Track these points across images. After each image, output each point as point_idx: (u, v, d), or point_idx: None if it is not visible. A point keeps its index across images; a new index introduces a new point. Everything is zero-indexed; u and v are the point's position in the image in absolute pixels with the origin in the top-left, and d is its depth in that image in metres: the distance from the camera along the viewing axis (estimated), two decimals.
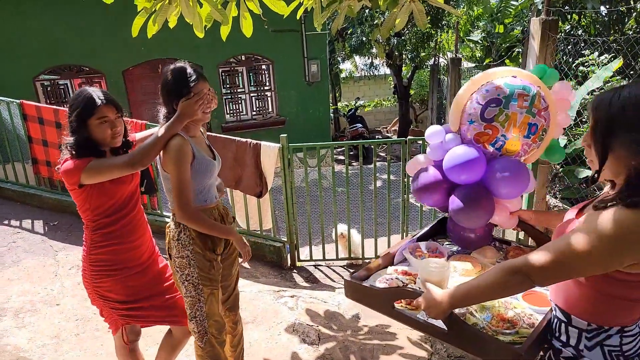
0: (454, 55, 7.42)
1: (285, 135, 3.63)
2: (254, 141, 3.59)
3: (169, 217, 4.38)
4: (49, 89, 7.02)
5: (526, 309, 1.34)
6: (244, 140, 3.64)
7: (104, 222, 1.81)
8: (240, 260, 1.98)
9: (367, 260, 3.87)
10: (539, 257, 1.01)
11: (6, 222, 4.11)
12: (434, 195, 1.67)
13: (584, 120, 4.51)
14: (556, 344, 1.14)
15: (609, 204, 0.97)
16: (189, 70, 1.76)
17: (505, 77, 1.57)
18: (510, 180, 1.52)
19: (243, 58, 7.77)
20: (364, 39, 9.78)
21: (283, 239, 3.93)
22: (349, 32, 10.46)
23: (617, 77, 4.44)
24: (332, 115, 10.79)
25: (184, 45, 7.17)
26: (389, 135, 12.69)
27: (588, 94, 4.49)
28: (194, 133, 1.82)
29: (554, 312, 1.18)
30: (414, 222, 4.33)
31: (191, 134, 1.80)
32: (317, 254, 3.93)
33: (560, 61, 4.58)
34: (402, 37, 10.07)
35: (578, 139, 4.26)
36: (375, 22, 10.03)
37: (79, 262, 3.61)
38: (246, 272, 3.58)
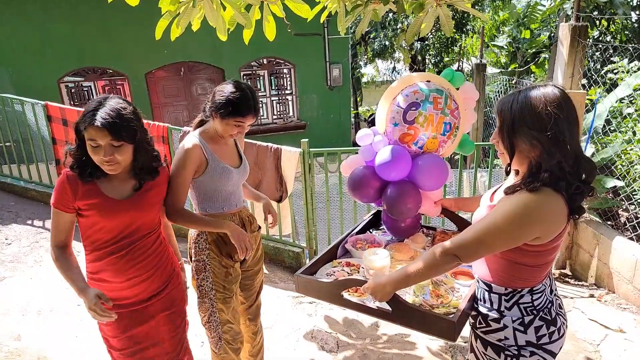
0: (478, 61, 7.28)
1: (307, 139, 3.59)
2: (275, 145, 3.57)
3: None
4: (73, 90, 7.19)
5: (454, 284, 1.55)
6: (265, 144, 3.62)
7: (93, 255, 1.55)
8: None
9: None
10: (463, 238, 1.22)
11: (29, 222, 4.18)
12: (368, 192, 1.82)
13: (612, 129, 4.35)
14: (483, 309, 1.33)
15: (516, 189, 1.18)
16: (250, 101, 1.73)
17: (420, 81, 1.75)
18: (432, 174, 1.72)
19: (265, 61, 7.81)
20: (387, 43, 9.72)
21: (302, 244, 3.89)
22: (371, 36, 10.41)
23: None
24: (352, 120, 10.72)
25: (207, 48, 7.26)
26: None
27: (617, 102, 4.34)
28: (219, 139, 1.80)
29: (477, 283, 1.38)
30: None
31: (214, 140, 1.78)
32: None
33: (588, 68, 4.43)
34: (426, 42, 9.97)
35: (605, 147, 4.10)
36: (398, 27, 9.96)
37: None
38: (264, 276, 3.55)
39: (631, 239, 3.29)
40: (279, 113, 8.09)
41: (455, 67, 11.75)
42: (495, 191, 1.40)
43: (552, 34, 10.00)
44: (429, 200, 1.86)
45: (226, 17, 2.62)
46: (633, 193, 3.65)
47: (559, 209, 1.14)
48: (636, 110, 4.06)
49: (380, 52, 10.15)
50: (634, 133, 4.00)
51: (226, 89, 1.71)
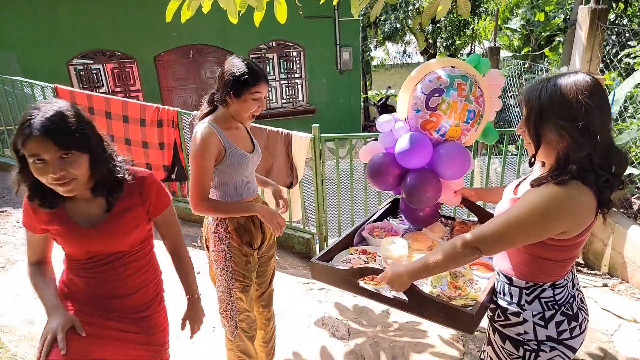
0: (491, 44, 7.12)
1: (318, 125, 3.55)
2: (286, 131, 3.53)
3: None
4: (82, 73, 7.17)
5: (473, 275, 1.52)
6: (275, 129, 3.58)
7: (67, 262, 1.42)
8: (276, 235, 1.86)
9: None
10: (484, 230, 1.18)
11: None
12: (387, 179, 1.79)
13: (629, 115, 4.24)
14: (502, 302, 1.31)
15: (542, 182, 1.14)
16: (251, 66, 1.69)
17: (445, 67, 1.69)
18: (454, 163, 1.67)
19: (274, 44, 7.71)
20: (398, 25, 9.53)
21: (312, 230, 3.89)
22: (382, 18, 10.22)
23: None
24: (362, 104, 10.62)
25: (215, 30, 7.17)
26: None
27: (635, 87, 4.22)
28: (231, 125, 1.77)
29: (498, 276, 1.35)
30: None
31: (226, 126, 1.75)
32: None
33: (604, 52, 4.30)
34: (438, 25, 9.76)
35: (621, 133, 4.01)
36: (409, 9, 9.76)
37: None
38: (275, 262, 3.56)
39: None
40: (288, 97, 8.03)
41: (467, 50, 11.52)
42: (519, 184, 1.36)
43: (567, 17, 9.74)
44: (449, 190, 1.83)
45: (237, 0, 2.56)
46: None
47: (587, 202, 1.10)
48: None
49: (391, 35, 9.97)
50: None
51: (229, 67, 1.67)
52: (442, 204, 1.95)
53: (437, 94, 1.65)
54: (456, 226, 1.87)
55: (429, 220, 1.89)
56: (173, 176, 4.27)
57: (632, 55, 4.72)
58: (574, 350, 1.25)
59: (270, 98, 7.99)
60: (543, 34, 10.25)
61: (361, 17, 7.66)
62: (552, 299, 1.25)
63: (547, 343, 1.23)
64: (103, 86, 7.33)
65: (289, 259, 3.78)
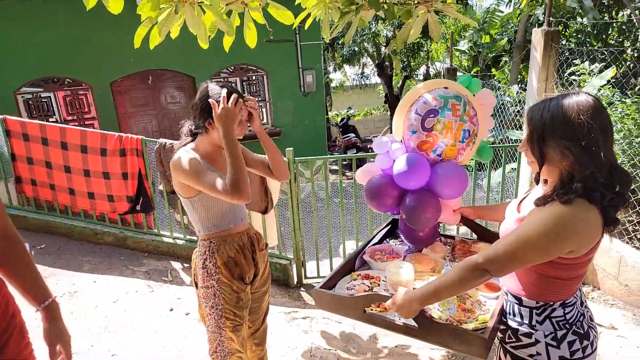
0: (445, 65, 7.41)
1: (292, 148, 3.50)
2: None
3: (166, 236, 4.19)
4: (30, 102, 6.78)
5: (479, 296, 1.50)
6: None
7: None
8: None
9: None
10: (493, 252, 1.17)
11: None
12: (386, 201, 1.79)
13: None
14: (513, 324, 1.29)
15: (547, 200, 1.14)
16: (229, 89, 1.63)
17: (438, 88, 1.71)
18: (452, 182, 1.69)
19: (236, 69, 7.64)
20: (356, 48, 9.75)
21: (289, 255, 3.78)
22: (340, 42, 10.43)
23: (609, 86, 4.43)
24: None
25: (175, 55, 7.03)
26: None
27: None
28: (211, 152, 1.68)
29: (506, 297, 1.34)
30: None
31: (207, 154, 1.66)
32: (324, 270, 3.79)
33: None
34: (394, 47, 10.08)
35: None
36: (364, 32, 10.02)
37: (70, 287, 3.43)
38: None
39: (614, 236, 3.38)
40: None
41: (421, 70, 11.95)
42: (521, 201, 1.36)
43: (511, 39, 10.37)
44: (448, 209, 1.83)
45: (206, 24, 2.50)
46: None
47: (594, 221, 1.11)
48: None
49: (350, 58, 10.19)
50: None
51: (206, 93, 1.61)
52: (441, 223, 1.95)
53: (432, 115, 1.65)
54: (457, 245, 1.86)
55: (429, 241, 1.87)
56: (138, 207, 4.05)
57: (578, 73, 5.05)
58: None
59: None
60: (489, 55, 10.83)
61: (322, 41, 7.77)
62: (563, 317, 1.24)
63: None
64: (54, 115, 6.94)
65: None
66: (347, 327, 2.89)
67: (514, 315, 1.30)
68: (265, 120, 8.02)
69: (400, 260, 1.67)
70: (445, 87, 1.71)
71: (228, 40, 2.69)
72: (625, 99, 4.43)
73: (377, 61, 10.84)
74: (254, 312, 1.86)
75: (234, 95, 1.55)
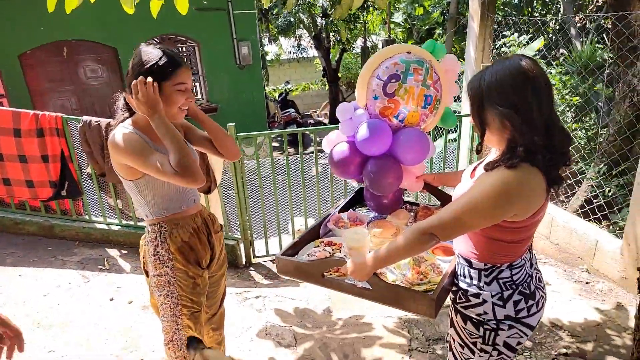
0: (379, 37, 7.43)
1: (233, 124, 3.32)
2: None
3: (99, 222, 3.88)
4: None
5: (435, 260, 1.54)
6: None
7: None
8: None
9: None
10: (440, 217, 1.20)
11: None
12: (348, 168, 1.77)
13: None
14: (463, 285, 1.33)
15: (495, 166, 1.16)
16: (169, 52, 1.44)
17: (401, 53, 1.68)
18: (414, 148, 1.68)
19: (162, 40, 7.10)
20: (292, 19, 9.47)
21: (236, 235, 3.65)
22: (274, 12, 10.07)
23: (537, 57, 4.66)
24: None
25: (93, 24, 6.39)
26: (320, 119, 12.60)
27: None
28: (146, 122, 1.48)
29: (458, 259, 1.37)
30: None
31: (142, 126, 1.49)
32: (273, 248, 3.71)
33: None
34: (330, 19, 9.93)
35: None
36: (300, 3, 9.75)
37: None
38: None
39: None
40: None
41: (358, 43, 11.94)
42: (476, 167, 1.38)
43: (444, 11, 10.63)
44: (411, 175, 1.82)
45: None
46: None
47: (537, 184, 1.14)
48: None
49: (286, 29, 9.88)
50: None
51: (139, 59, 1.41)
52: (405, 190, 1.97)
53: (394, 80, 1.62)
54: (420, 212, 1.87)
55: (394, 207, 1.88)
56: (63, 192, 3.68)
57: (508, 44, 5.27)
58: (531, 327, 1.30)
59: None
60: (423, 27, 11.05)
61: (256, 10, 7.43)
62: (510, 279, 1.27)
63: (505, 322, 1.27)
64: None
65: None
66: (301, 303, 2.86)
67: (465, 277, 1.33)
68: (199, 96, 7.60)
69: (358, 227, 1.67)
70: (408, 52, 1.67)
71: (156, 4, 2.44)
72: (550, 69, 4.71)
73: (313, 33, 10.63)
74: (211, 296, 1.76)
75: (148, 80, 1.36)
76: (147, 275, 1.61)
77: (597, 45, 4.93)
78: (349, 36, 10.79)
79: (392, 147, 1.70)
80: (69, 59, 6.72)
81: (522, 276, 1.29)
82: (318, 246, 1.66)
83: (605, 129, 3.94)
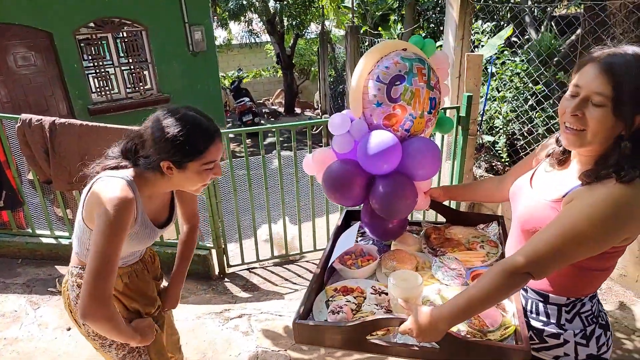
0: (332, 23, 7.16)
1: None
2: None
3: (45, 236, 3.38)
4: None
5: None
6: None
7: None
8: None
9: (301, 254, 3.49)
10: (534, 251, 0.97)
11: None
12: (354, 192, 1.48)
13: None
14: (536, 324, 1.15)
15: (601, 177, 0.95)
16: (208, 123, 1.18)
17: (396, 50, 1.46)
18: (426, 160, 1.44)
19: (104, 23, 6.40)
20: (244, 2, 8.95)
21: (208, 244, 3.31)
22: None
23: (503, 45, 4.62)
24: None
25: (23, 5, 5.62)
26: (274, 107, 12.18)
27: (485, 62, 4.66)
28: (154, 191, 1.25)
29: (524, 293, 1.18)
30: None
31: (148, 193, 1.23)
32: (248, 256, 3.41)
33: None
34: (285, 2, 9.51)
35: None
36: None
37: None
38: None
39: None
40: (133, 86, 6.84)
41: (313, 28, 11.62)
42: (532, 175, 1.20)
43: None
44: (420, 192, 1.58)
45: None
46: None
47: None
48: (498, 72, 4.41)
49: (238, 13, 9.33)
50: (498, 90, 4.38)
51: (168, 124, 1.14)
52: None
53: (398, 82, 1.38)
54: (431, 233, 1.62)
55: (399, 232, 1.62)
56: (1, 203, 3.15)
57: (473, 32, 5.22)
58: None
59: (111, 87, 6.68)
60: (377, 13, 10.91)
61: None
62: (591, 311, 1.12)
63: None
64: None
65: (186, 285, 3.15)
66: (290, 320, 2.61)
67: (538, 314, 1.15)
68: (149, 86, 6.98)
69: (406, 270, 1.37)
70: (404, 49, 1.45)
71: None
72: (515, 58, 4.70)
73: (265, 17, 10.16)
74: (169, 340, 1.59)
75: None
76: (78, 325, 1.35)
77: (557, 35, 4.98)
78: (304, 19, 10.41)
79: (401, 161, 1.46)
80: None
81: (598, 306, 1.15)
82: (334, 297, 1.35)
83: None
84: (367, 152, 1.39)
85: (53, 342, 2.46)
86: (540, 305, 1.14)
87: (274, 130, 3.07)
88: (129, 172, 1.18)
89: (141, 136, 1.17)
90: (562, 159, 1.12)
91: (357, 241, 1.67)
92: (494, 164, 4.14)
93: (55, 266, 3.23)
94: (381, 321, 1.14)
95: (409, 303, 1.13)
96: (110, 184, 1.12)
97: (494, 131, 4.26)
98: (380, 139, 1.38)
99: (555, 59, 3.97)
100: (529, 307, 1.17)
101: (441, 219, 1.78)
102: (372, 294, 1.34)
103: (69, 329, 2.58)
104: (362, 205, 1.62)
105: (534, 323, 1.15)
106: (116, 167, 1.20)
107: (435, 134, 2.40)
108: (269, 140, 8.62)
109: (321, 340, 1.21)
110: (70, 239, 3.33)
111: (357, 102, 1.47)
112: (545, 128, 3.90)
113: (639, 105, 0.91)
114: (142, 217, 1.21)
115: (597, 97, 0.93)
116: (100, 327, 1.12)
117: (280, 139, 3.11)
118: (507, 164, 4.08)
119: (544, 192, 1.11)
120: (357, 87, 1.45)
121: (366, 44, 7.27)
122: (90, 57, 6.47)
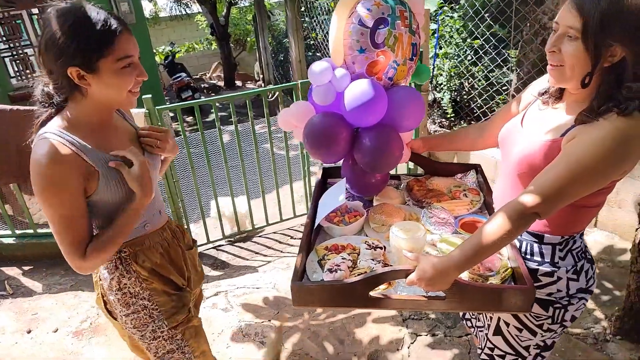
0: None
1: (150, 95, 2.78)
2: None
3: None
4: None
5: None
6: None
7: None
8: None
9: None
10: (543, 190, 0.97)
11: None
12: (339, 146, 1.41)
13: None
14: (531, 264, 1.17)
15: (600, 113, 0.96)
16: (103, 15, 1.00)
17: None
18: (411, 111, 1.39)
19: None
20: None
21: None
22: None
23: (442, 2, 4.67)
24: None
25: None
26: (213, 82, 11.67)
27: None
28: (94, 124, 1.09)
29: (520, 236, 1.19)
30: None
31: (88, 129, 1.07)
32: (213, 234, 3.31)
33: None
34: None
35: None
36: None
37: None
38: None
39: None
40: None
41: None
42: (523, 118, 1.19)
43: None
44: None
45: None
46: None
47: None
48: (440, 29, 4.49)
49: None
50: (440, 47, 4.47)
51: (60, 26, 0.96)
52: None
53: (382, 26, 1.29)
54: (414, 186, 1.61)
55: (381, 186, 1.60)
56: None
57: None
58: (592, 292, 1.22)
59: (32, 70, 6.02)
60: None
61: None
62: (580, 248, 1.16)
63: (577, 295, 1.16)
64: None
65: None
66: (269, 292, 2.59)
67: (532, 255, 1.17)
68: None
69: (409, 222, 1.35)
70: None
71: None
72: (453, 14, 4.78)
73: None
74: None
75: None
76: (115, 319, 1.26)
77: None
78: None
79: (387, 112, 1.40)
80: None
81: (584, 242, 1.18)
82: (326, 255, 1.31)
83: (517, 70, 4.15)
84: (353, 103, 1.32)
85: (14, 347, 2.27)
86: (535, 245, 1.16)
87: (219, 104, 2.93)
88: (53, 124, 1.04)
89: (40, 63, 1.02)
90: (559, 95, 1.12)
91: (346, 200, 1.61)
92: (438, 120, 4.26)
93: (1, 268, 2.97)
94: (388, 274, 1.12)
95: (415, 254, 1.12)
96: (34, 151, 1.00)
97: (437, 88, 4.37)
98: (366, 88, 1.30)
99: (490, 14, 4.08)
100: (523, 249, 1.20)
101: (416, 171, 1.78)
102: (366, 249, 1.32)
103: (29, 332, 2.40)
104: (341, 161, 1.59)
105: (528, 264, 1.18)
106: (46, 120, 1.06)
107: (412, 83, 2.37)
108: (212, 117, 8.30)
109: (323, 301, 1.18)
110: (15, 237, 3.05)
111: (338, 48, 1.38)
112: (487, 82, 4.06)
113: (607, 37, 0.92)
114: (99, 159, 1.06)
115: (570, 31, 0.96)
116: (98, 263, 1.08)
117: (224, 113, 2.99)
118: (452, 119, 4.22)
119: (539, 133, 1.10)
120: (337, 32, 1.36)
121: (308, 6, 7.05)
122: (5, 39, 5.76)
